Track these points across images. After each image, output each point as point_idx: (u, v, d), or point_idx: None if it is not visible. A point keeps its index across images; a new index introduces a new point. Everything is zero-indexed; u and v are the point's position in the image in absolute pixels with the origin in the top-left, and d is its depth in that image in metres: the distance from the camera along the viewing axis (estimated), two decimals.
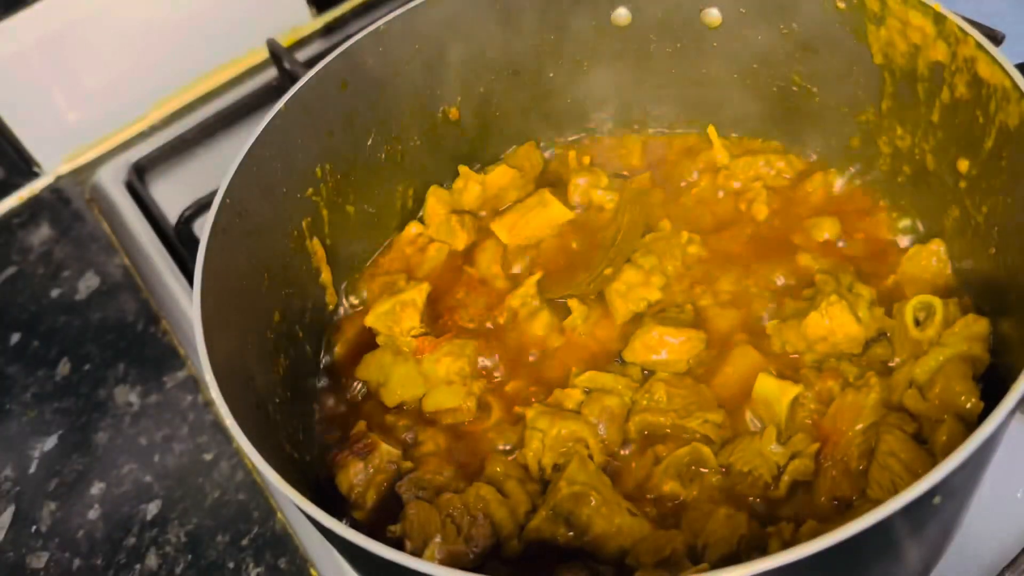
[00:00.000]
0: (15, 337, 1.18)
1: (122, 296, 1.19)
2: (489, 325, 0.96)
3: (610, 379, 0.87)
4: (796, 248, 0.95)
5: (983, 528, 0.81)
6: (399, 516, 0.79)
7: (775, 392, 0.82)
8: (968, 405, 0.75)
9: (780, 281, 0.93)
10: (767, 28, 0.96)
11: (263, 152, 0.86)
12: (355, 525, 0.82)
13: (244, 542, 0.94)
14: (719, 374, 0.87)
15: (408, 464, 0.85)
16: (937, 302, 0.82)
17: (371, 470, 0.83)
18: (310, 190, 0.94)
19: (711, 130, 1.06)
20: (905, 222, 0.94)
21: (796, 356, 0.86)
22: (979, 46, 0.76)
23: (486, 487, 0.80)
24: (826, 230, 0.95)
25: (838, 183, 1.00)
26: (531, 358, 0.93)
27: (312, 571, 0.91)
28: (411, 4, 0.94)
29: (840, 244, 0.95)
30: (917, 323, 0.83)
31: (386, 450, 0.84)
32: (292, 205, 0.92)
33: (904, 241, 0.94)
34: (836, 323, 0.83)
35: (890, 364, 0.84)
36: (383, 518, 0.81)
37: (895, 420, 0.77)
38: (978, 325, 0.80)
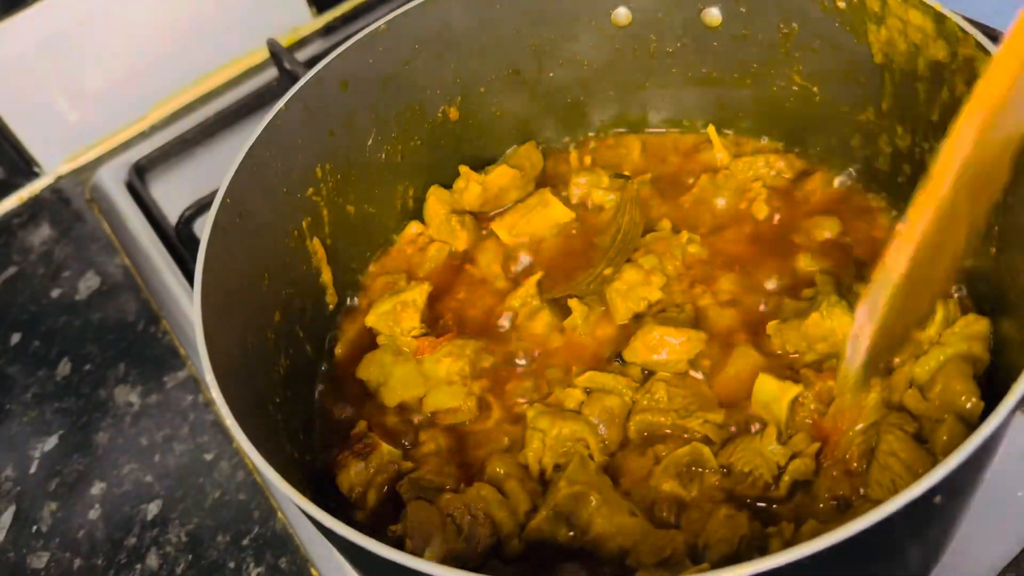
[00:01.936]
0: (15, 337, 1.18)
1: (122, 296, 1.19)
2: (489, 325, 0.96)
3: (610, 379, 0.87)
4: (796, 248, 0.95)
5: (983, 528, 0.81)
6: (399, 516, 0.79)
7: (775, 392, 0.81)
8: (968, 405, 0.75)
9: (777, 283, 0.93)
10: (767, 28, 0.96)
11: (263, 152, 0.86)
12: (355, 525, 0.82)
13: (245, 542, 0.94)
14: (719, 374, 0.87)
15: (408, 464, 0.84)
16: (937, 301, 0.82)
17: (371, 470, 0.83)
18: (310, 190, 0.94)
19: (711, 130, 1.06)
20: None
21: (796, 356, 0.86)
22: (979, 45, 0.76)
23: (486, 487, 0.80)
24: (826, 230, 0.95)
25: (838, 183, 1.00)
26: (531, 358, 0.93)
27: (312, 571, 0.91)
28: (411, 4, 0.94)
29: (839, 244, 0.95)
30: None
31: (386, 450, 0.84)
32: (292, 205, 0.92)
33: None
34: (836, 323, 0.83)
35: (890, 364, 0.83)
36: (383, 518, 0.81)
37: (895, 420, 0.77)
38: (978, 325, 0.80)
